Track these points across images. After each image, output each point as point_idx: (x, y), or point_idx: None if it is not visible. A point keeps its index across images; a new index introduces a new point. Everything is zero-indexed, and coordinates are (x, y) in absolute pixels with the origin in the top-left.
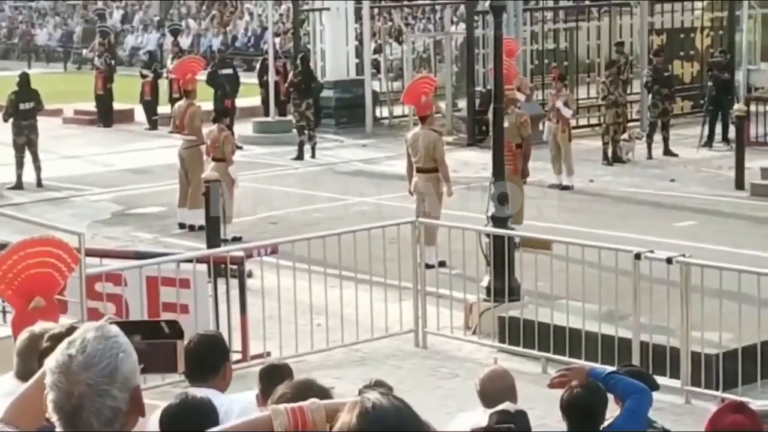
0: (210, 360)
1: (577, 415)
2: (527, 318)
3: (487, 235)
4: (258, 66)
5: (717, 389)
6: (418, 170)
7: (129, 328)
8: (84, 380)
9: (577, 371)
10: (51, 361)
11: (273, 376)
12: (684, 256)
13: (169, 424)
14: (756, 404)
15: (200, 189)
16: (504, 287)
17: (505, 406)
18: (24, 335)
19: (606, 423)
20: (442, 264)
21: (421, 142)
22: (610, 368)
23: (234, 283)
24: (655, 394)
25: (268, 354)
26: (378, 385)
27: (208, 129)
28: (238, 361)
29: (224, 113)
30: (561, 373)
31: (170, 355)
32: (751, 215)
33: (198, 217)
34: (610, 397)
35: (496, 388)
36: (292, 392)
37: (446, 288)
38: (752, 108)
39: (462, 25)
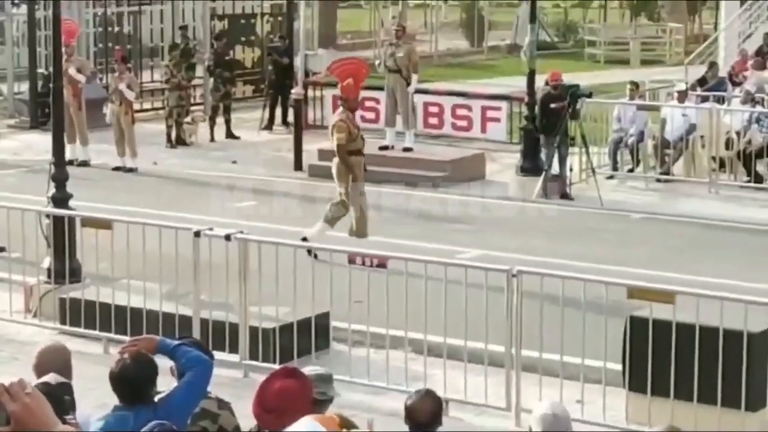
0: None
1: (123, 387)
2: (88, 299)
3: (48, 216)
4: None
5: (274, 362)
6: None
7: None
8: None
9: (147, 340)
10: None
11: None
12: (242, 232)
13: None
14: (307, 369)
15: None
16: (65, 269)
17: (49, 377)
18: None
19: (162, 395)
20: (1, 249)
21: None
22: (178, 341)
23: None
24: (215, 369)
25: None
26: None
27: None
28: None
29: None
30: (131, 342)
31: None
32: (309, 195)
33: None
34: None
35: (51, 362)
36: None
37: (5, 271)
38: (310, 92)
39: (24, 7)
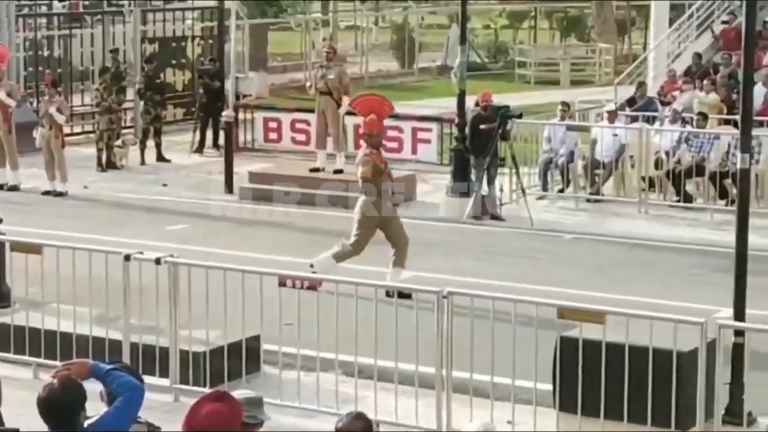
0: None
1: (51, 413)
2: (17, 324)
3: None
4: None
5: (205, 386)
6: None
7: None
8: None
9: (80, 365)
10: None
11: None
12: (172, 256)
13: None
14: (237, 392)
15: None
16: None
17: None
18: None
19: (92, 420)
20: None
21: None
22: (110, 366)
23: None
24: (146, 394)
25: None
26: None
27: None
28: None
29: None
30: (64, 366)
31: None
32: (239, 217)
33: None
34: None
35: None
36: None
37: None
38: (240, 115)
39: None
